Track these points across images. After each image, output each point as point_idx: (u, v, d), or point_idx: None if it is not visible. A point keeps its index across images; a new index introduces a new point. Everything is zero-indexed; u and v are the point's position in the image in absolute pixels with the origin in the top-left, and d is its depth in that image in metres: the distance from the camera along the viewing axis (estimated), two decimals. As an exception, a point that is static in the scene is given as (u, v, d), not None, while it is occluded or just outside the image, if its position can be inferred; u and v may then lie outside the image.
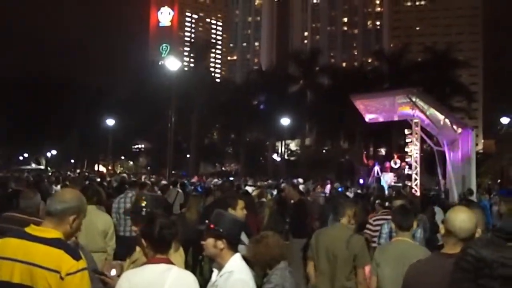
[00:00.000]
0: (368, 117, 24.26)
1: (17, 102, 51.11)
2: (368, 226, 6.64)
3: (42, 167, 58.75)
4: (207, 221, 3.20)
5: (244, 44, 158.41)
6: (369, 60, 73.54)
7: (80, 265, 2.57)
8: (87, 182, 11.31)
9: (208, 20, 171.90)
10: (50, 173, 29.25)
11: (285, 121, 45.78)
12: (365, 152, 52.74)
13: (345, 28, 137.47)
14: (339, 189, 16.52)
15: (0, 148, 62.02)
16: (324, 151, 63.33)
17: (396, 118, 24.41)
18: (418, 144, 22.55)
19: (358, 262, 4.64)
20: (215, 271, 3.18)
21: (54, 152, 60.58)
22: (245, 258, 3.33)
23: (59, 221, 2.67)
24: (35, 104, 51.51)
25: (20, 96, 51.71)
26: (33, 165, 61.14)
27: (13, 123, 50.96)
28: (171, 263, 2.89)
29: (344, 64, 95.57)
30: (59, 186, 12.14)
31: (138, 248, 3.67)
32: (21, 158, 65.22)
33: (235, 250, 3.15)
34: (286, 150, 61.01)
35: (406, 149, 23.96)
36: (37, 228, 2.66)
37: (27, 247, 2.57)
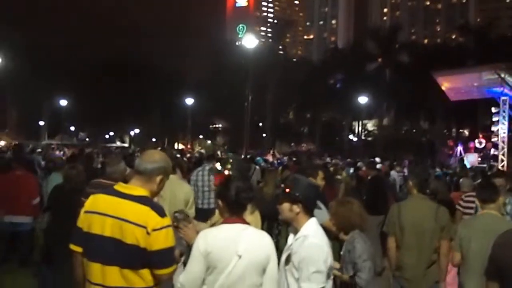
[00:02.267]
0: (451, 96, 23.21)
1: (103, 84, 53.67)
2: (460, 202, 6.44)
3: (126, 145, 61.74)
4: (282, 185, 3.22)
5: (321, 22, 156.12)
6: (453, 36, 70.00)
7: (165, 221, 2.69)
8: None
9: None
10: (132, 151, 30.64)
11: (363, 100, 44.81)
12: (447, 133, 50.70)
13: (428, 3, 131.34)
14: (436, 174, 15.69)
15: (88, 127, 65.85)
16: (403, 131, 61.48)
17: (482, 96, 23.18)
18: (506, 123, 21.35)
19: (445, 234, 4.50)
20: (291, 235, 3.20)
21: (137, 131, 63.32)
22: (321, 225, 3.33)
23: (147, 180, 2.80)
24: (119, 86, 53.82)
25: (105, 79, 54.26)
26: (118, 143, 64.49)
27: (99, 104, 53.67)
28: (247, 223, 2.94)
29: (426, 41, 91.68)
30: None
31: (217, 211, 3.78)
32: (107, 136, 68.89)
33: (310, 214, 3.13)
34: (363, 130, 59.86)
35: (492, 129, 22.75)
36: (125, 185, 2.81)
37: (117, 203, 2.71)
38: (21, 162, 7.65)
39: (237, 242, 2.80)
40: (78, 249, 2.80)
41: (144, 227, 2.62)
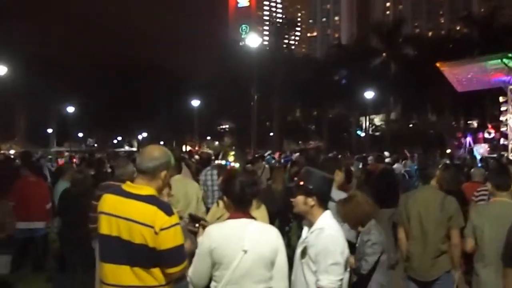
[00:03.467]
0: (458, 87, 23.08)
1: (109, 89, 53.85)
2: (472, 198, 6.33)
3: (134, 149, 61.89)
4: (296, 178, 3.20)
5: (324, 19, 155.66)
6: (457, 28, 69.50)
7: (173, 220, 2.66)
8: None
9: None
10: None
11: (369, 95, 44.65)
12: (455, 125, 50.43)
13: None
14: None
15: (96, 132, 66.12)
16: (410, 125, 61.15)
17: (489, 86, 23.02)
18: (515, 112, 21.19)
19: (454, 223, 4.44)
20: (305, 228, 3.18)
21: (145, 134, 63.50)
22: None
23: (151, 178, 2.76)
24: (125, 89, 53.99)
25: (111, 82, 54.45)
26: (126, 148, 64.68)
27: (106, 109, 53.86)
28: (252, 218, 2.91)
29: (430, 33, 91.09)
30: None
31: (221, 205, 3.75)
32: (115, 141, 69.14)
33: (325, 207, 3.12)
34: (370, 125, 59.67)
35: (501, 118, 22.61)
36: (132, 185, 2.77)
37: (124, 203, 2.70)
38: (31, 169, 7.74)
39: (242, 237, 2.77)
40: None
41: (152, 227, 2.60)
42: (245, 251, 2.74)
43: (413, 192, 5.09)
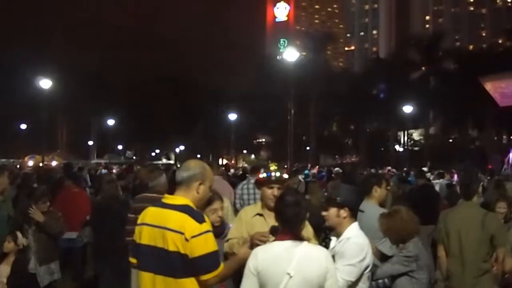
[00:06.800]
0: (500, 101, 22.47)
1: (148, 102, 54.91)
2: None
3: (172, 162, 62.68)
4: (326, 194, 3.32)
5: (362, 33, 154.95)
6: (499, 41, 67.95)
7: (204, 227, 2.74)
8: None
9: (323, 12, 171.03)
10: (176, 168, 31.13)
11: (407, 109, 43.98)
12: (497, 140, 49.03)
13: (472, 8, 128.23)
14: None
15: (134, 145, 67.40)
16: (450, 140, 59.81)
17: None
18: (561, 127, 20.43)
19: (498, 241, 4.25)
20: (334, 238, 3.30)
21: (182, 147, 64.32)
22: None
23: (186, 188, 2.89)
24: (163, 103, 54.94)
25: (150, 96, 55.51)
26: (164, 160, 65.53)
27: (145, 122, 54.90)
28: (300, 239, 2.84)
29: (471, 47, 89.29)
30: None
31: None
32: (153, 154, 70.21)
33: (355, 218, 3.28)
34: (408, 140, 58.67)
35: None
36: (170, 197, 2.94)
37: (161, 213, 2.84)
38: (74, 180, 7.95)
39: (288, 260, 2.71)
40: (134, 260, 2.96)
41: (182, 233, 2.70)
42: (290, 275, 2.67)
43: (453, 208, 4.94)
